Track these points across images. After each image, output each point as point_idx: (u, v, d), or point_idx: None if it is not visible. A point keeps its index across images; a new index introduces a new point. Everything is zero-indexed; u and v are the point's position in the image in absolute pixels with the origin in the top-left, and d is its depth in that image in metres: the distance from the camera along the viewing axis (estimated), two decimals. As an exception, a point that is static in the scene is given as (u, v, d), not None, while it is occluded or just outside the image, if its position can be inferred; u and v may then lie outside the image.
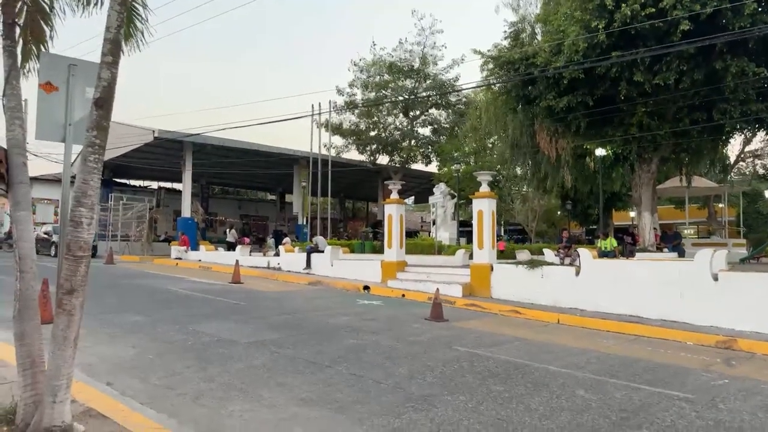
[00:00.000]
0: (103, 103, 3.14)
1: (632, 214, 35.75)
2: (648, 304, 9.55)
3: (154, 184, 38.59)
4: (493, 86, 16.13)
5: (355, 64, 29.02)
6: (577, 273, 10.64)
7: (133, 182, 38.22)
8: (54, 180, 32.52)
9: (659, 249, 14.61)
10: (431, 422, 4.19)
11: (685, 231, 30.66)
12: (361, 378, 5.36)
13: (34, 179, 31.07)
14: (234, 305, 10.36)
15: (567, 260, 13.33)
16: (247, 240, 25.61)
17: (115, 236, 26.57)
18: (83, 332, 6.99)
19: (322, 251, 17.17)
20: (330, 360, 6.07)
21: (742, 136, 15.27)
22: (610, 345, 7.73)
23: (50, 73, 3.94)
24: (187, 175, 25.84)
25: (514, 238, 32.11)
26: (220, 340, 6.96)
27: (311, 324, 8.50)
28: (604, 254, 13.18)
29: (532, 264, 11.35)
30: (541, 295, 10.94)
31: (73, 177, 3.53)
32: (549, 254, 15.30)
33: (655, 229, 15.20)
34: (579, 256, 11.19)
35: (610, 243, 14.17)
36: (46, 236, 24.26)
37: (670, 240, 15.25)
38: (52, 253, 22.26)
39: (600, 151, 14.92)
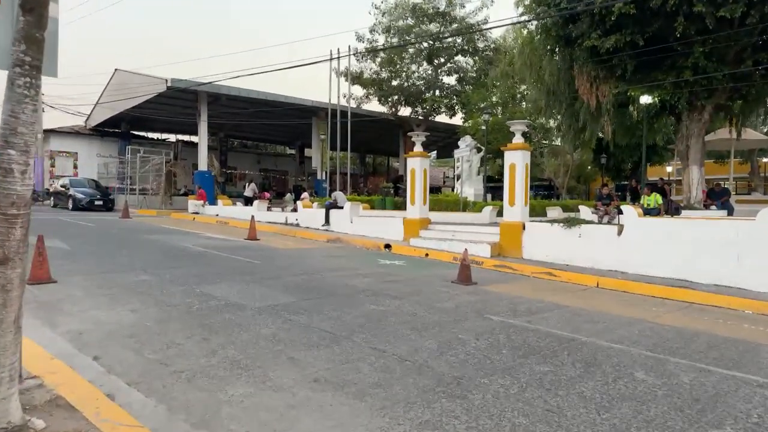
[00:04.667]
0: (34, 5, 2.30)
1: (669, 168, 34.01)
2: (698, 267, 8.64)
3: (173, 137, 38.09)
4: (529, 25, 14.62)
5: (376, 7, 27.35)
6: (620, 232, 9.69)
7: (151, 135, 37.79)
8: (71, 132, 32.19)
9: (706, 206, 13.43)
10: (467, 414, 3.48)
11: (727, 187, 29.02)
12: (383, 353, 4.67)
13: (52, 131, 30.78)
14: (247, 264, 9.77)
15: (606, 218, 12.31)
16: (267, 195, 25.01)
17: (133, 190, 26.30)
18: (80, 294, 6.53)
19: (342, 207, 16.43)
20: (348, 330, 5.39)
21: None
22: (660, 313, 6.91)
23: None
24: (203, 127, 25.09)
25: (540, 194, 30.80)
26: (228, 304, 6.34)
27: (328, 286, 7.84)
28: (647, 211, 12.12)
29: (570, 222, 10.42)
30: (578, 256, 10.08)
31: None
32: (585, 211, 14.28)
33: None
34: (620, 213, 10.19)
35: (655, 199, 13.02)
36: (63, 189, 24.03)
37: (718, 196, 14.01)
38: (70, 206, 22.10)
39: (646, 99, 13.52)
